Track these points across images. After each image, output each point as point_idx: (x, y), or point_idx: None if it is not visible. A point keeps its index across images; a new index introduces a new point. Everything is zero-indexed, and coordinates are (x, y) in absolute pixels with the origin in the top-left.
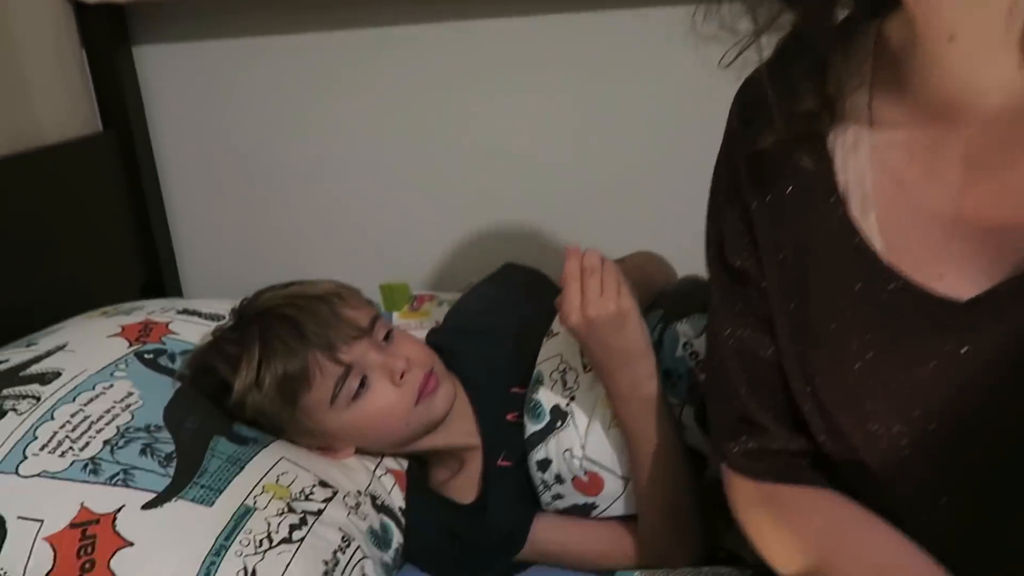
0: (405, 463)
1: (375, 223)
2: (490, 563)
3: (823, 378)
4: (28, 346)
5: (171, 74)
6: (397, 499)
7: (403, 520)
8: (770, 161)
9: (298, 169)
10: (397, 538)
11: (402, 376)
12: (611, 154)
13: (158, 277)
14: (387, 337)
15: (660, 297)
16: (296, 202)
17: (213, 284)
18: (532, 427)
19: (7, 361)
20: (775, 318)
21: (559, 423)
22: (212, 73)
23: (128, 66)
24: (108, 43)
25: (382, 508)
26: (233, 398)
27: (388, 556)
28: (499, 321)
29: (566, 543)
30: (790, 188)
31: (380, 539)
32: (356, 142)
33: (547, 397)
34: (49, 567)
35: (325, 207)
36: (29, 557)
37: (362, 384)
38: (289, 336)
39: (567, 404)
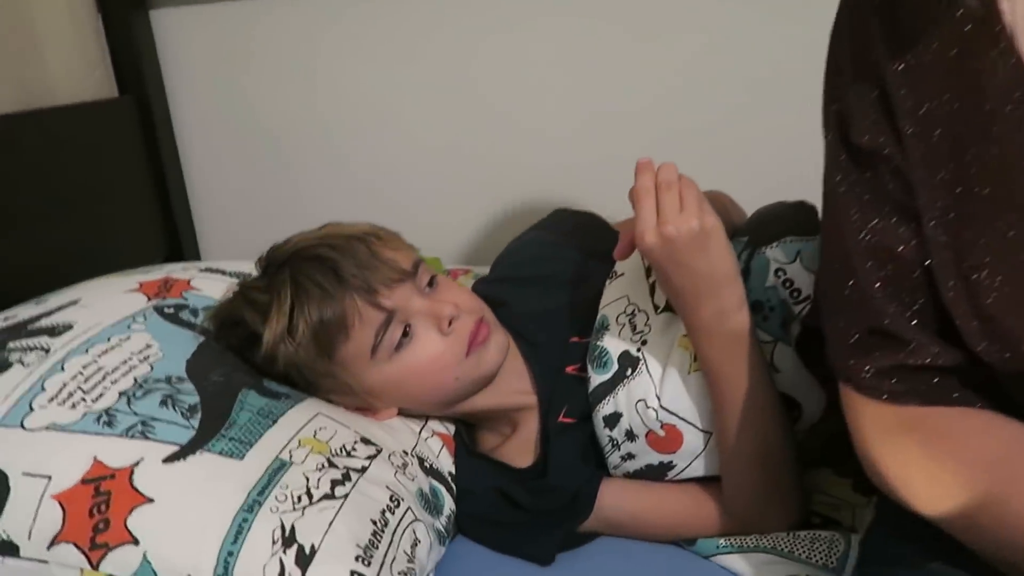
0: (452, 427)
1: (403, 191)
2: (550, 533)
3: (989, 270)
4: (37, 304)
5: (189, 37)
6: (446, 463)
7: (454, 486)
8: (913, 12)
9: (321, 135)
10: (449, 504)
11: (450, 324)
12: (653, 116)
13: (177, 245)
14: (431, 283)
15: (740, 227)
16: (319, 169)
17: (233, 253)
18: (598, 378)
19: (15, 316)
20: (921, 202)
21: (629, 371)
22: (231, 36)
23: (145, 30)
24: (124, 5)
25: (431, 471)
26: (263, 350)
27: (440, 523)
28: (552, 267)
29: (638, 510)
30: (937, 42)
31: (431, 504)
32: (381, 106)
33: (614, 343)
34: (58, 528)
35: (349, 174)
36: (35, 517)
37: (405, 334)
38: (325, 278)
39: (638, 349)
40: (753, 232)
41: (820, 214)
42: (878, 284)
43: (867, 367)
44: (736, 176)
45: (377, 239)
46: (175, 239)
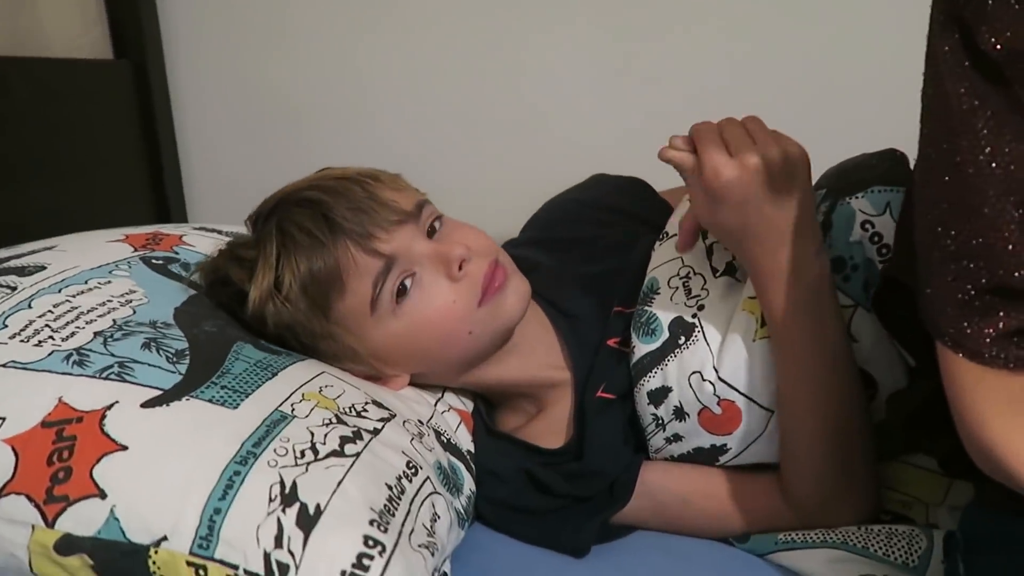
0: (470, 404)
1: (411, 173)
2: (586, 521)
3: None
4: (8, 249)
5: (191, 5)
6: (465, 441)
7: (473, 466)
8: None
9: (325, 111)
10: (469, 484)
11: (460, 267)
12: (691, 116)
13: (165, 217)
14: (436, 224)
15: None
16: (321, 147)
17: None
18: (644, 347)
19: None
20: None
21: (682, 339)
22: (236, 6)
23: None
24: None
25: (448, 446)
26: (250, 309)
27: (460, 503)
28: (592, 229)
29: (686, 494)
30: None
31: (450, 480)
32: (395, 79)
33: (665, 309)
34: (8, 477)
35: (354, 153)
36: None
37: (405, 287)
38: (314, 224)
39: (693, 315)
40: (833, 181)
41: (923, 140)
42: (1012, 226)
43: (987, 330)
44: None
45: (374, 180)
46: (164, 211)
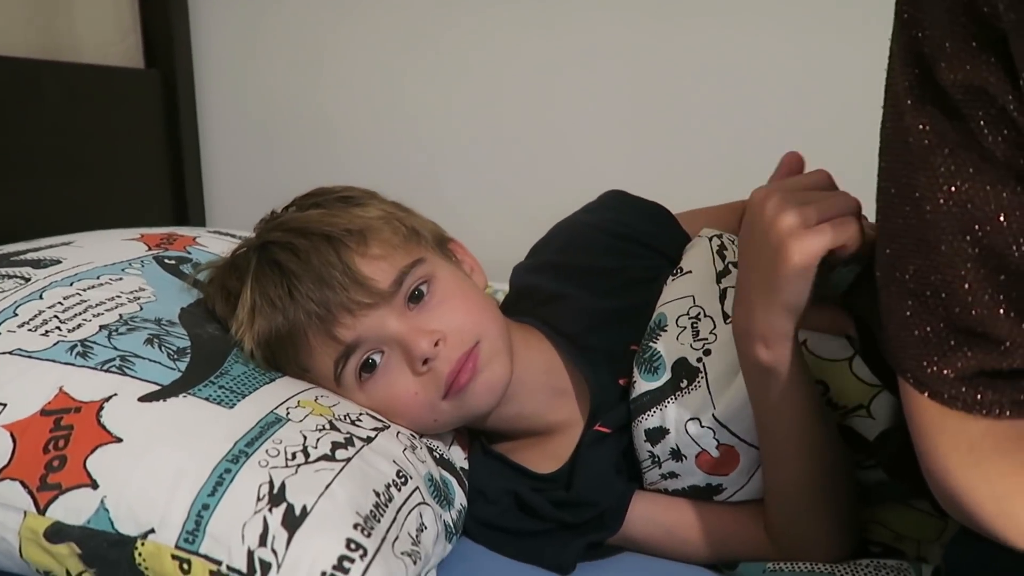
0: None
1: (428, 193)
2: (571, 542)
3: None
4: (27, 243)
5: (223, 22)
6: (458, 457)
7: (466, 482)
8: None
9: (348, 126)
10: (460, 499)
11: (426, 362)
12: (691, 120)
13: (184, 223)
14: (422, 293)
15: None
16: (338, 163)
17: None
18: (645, 384)
19: None
20: None
21: (684, 382)
22: (264, 23)
23: (181, 9)
24: None
25: (441, 461)
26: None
27: (450, 517)
28: (613, 260)
29: (672, 524)
30: None
31: (441, 493)
32: (414, 102)
33: (670, 347)
34: (4, 462)
35: (371, 170)
36: None
37: (372, 364)
38: (276, 295)
39: (698, 359)
40: None
41: (883, 174)
42: (968, 264)
43: (946, 371)
44: None
45: (358, 240)
46: (183, 215)
